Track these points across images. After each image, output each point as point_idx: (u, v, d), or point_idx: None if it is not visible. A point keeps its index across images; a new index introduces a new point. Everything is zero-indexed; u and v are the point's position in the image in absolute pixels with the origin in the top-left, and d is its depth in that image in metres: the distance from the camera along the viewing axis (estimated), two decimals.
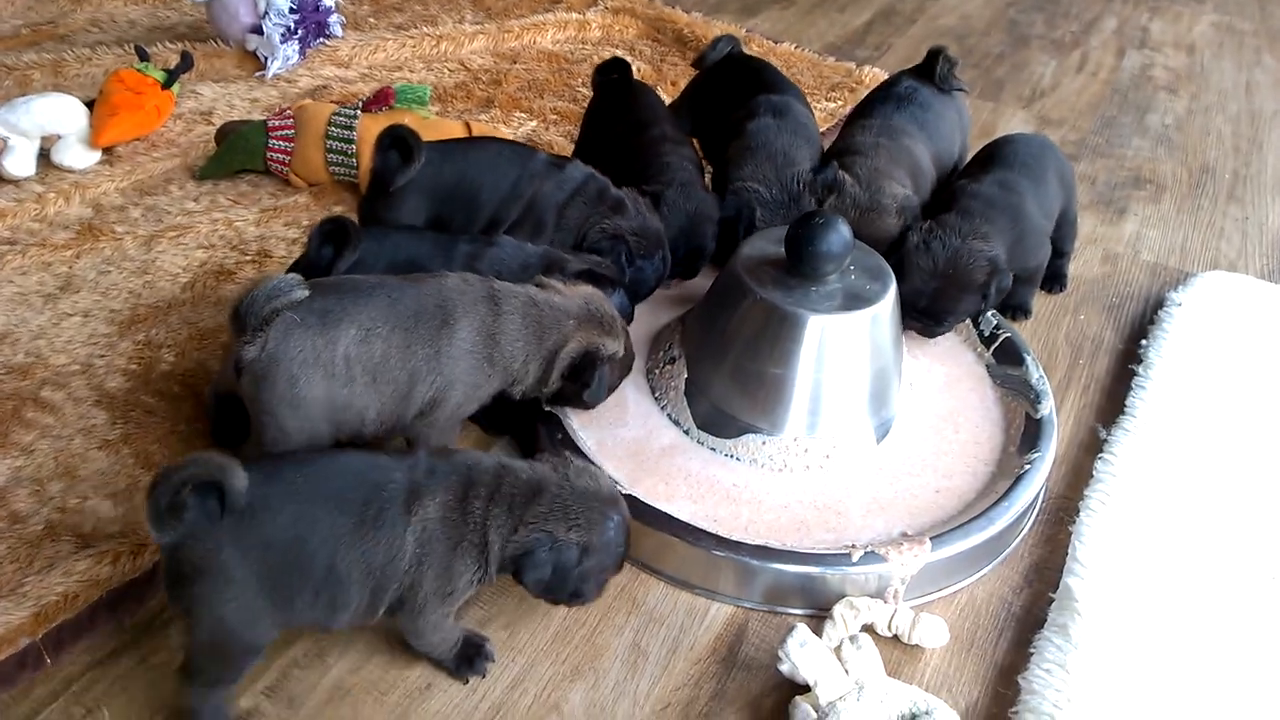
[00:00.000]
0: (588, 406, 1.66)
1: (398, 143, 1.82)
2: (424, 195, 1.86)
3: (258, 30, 2.87)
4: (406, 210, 1.86)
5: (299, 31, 2.87)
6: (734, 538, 1.53)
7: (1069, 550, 1.63)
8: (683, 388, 1.78)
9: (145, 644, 1.42)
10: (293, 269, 1.75)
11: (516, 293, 1.57)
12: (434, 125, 2.40)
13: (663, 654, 1.47)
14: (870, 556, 1.51)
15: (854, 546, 1.53)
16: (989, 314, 2.00)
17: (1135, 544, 1.64)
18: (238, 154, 2.39)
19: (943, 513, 1.65)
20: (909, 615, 1.49)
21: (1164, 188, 2.70)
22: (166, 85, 2.57)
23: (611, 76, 2.33)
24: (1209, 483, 1.78)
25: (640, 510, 1.53)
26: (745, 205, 2.02)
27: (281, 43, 2.83)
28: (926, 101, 2.17)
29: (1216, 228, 2.56)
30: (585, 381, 1.57)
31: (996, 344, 1.97)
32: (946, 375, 1.94)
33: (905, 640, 1.49)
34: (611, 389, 1.66)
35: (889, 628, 1.49)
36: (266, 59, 2.86)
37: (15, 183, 2.32)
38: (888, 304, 1.73)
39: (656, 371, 1.85)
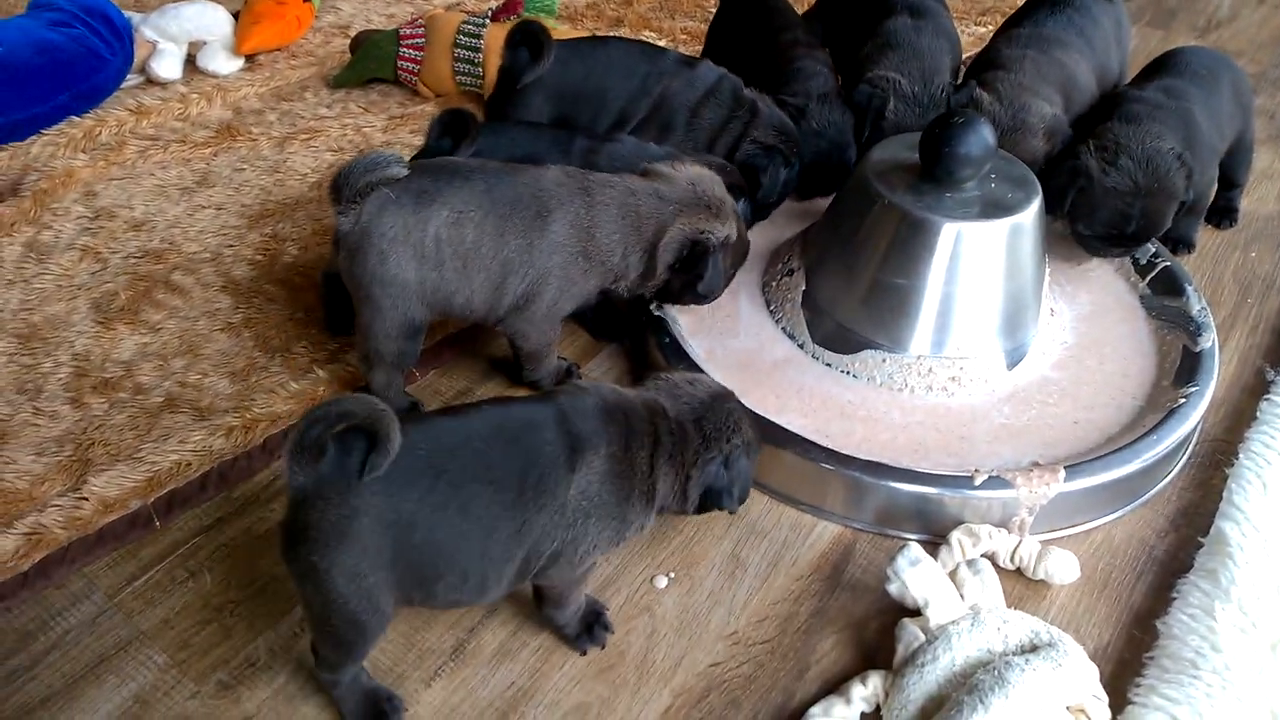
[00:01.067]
0: (704, 300, 1.56)
1: (528, 39, 1.78)
2: (551, 94, 1.82)
3: None
4: (533, 109, 1.82)
5: None
6: (846, 452, 1.44)
7: (1224, 495, 1.46)
8: (799, 300, 1.69)
9: (251, 514, 1.45)
10: (414, 160, 1.75)
11: (613, 182, 1.50)
12: (561, 36, 2.35)
13: (762, 567, 1.40)
14: (995, 481, 1.39)
15: (978, 470, 1.41)
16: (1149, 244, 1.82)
17: None
18: (370, 62, 2.42)
19: (1081, 444, 1.51)
20: (1035, 548, 1.37)
21: None
22: None
23: None
24: None
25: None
26: (878, 94, 1.89)
27: None
28: (1084, 6, 1.97)
29: None
30: (698, 272, 1.49)
31: (1154, 273, 1.79)
32: (1093, 304, 1.77)
33: (1029, 574, 1.37)
34: (728, 279, 1.57)
35: (1012, 559, 1.37)
36: None
37: (163, 84, 2.40)
38: (1030, 215, 1.58)
39: (773, 284, 1.76)
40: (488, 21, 2.33)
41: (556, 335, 1.58)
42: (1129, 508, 1.48)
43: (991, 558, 1.38)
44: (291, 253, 1.93)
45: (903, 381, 1.59)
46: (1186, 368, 1.60)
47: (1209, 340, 1.62)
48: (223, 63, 2.47)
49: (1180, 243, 1.95)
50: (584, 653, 1.29)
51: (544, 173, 1.49)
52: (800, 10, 2.39)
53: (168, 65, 2.42)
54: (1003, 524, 1.41)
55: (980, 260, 1.56)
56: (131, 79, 2.40)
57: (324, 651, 1.17)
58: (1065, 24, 1.95)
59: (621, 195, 1.49)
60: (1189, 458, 1.57)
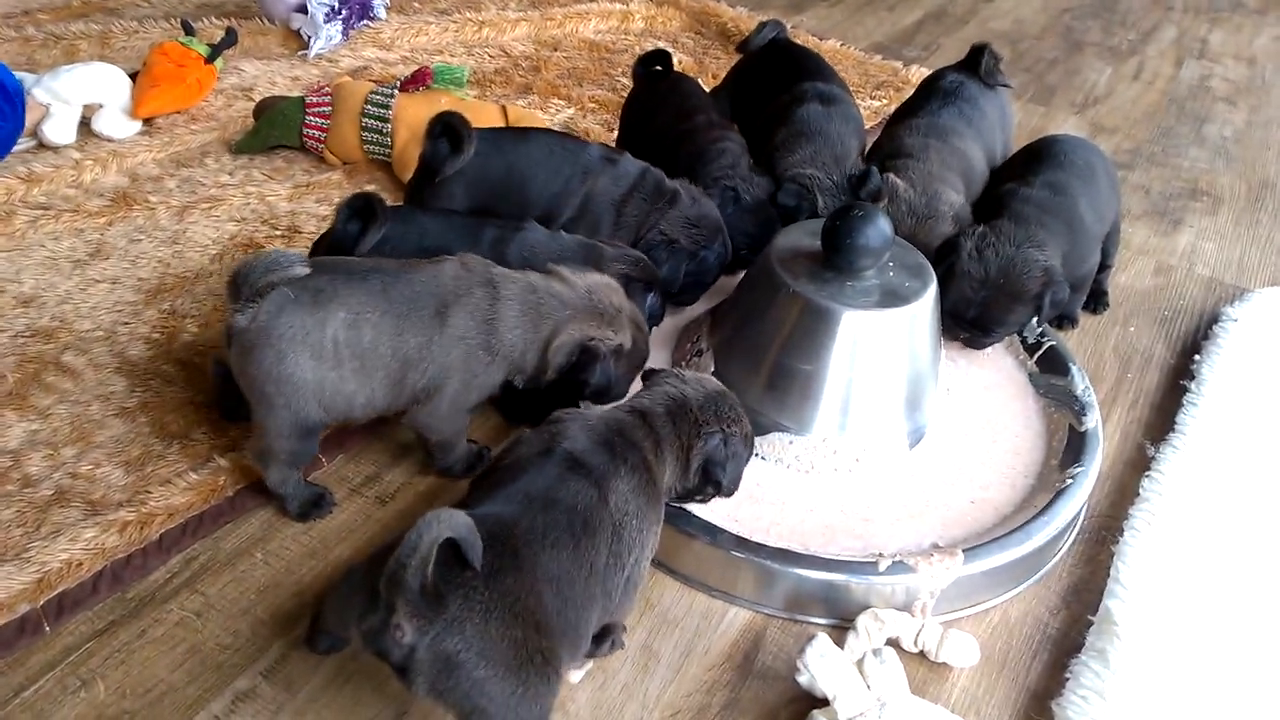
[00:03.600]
0: (601, 399, 1.57)
1: (448, 130, 1.79)
2: (471, 185, 1.82)
3: (302, 9, 2.87)
4: (453, 199, 1.82)
5: (343, 12, 2.86)
6: (755, 539, 1.47)
7: (1110, 571, 1.54)
8: None
9: (146, 616, 1.39)
10: (319, 243, 1.73)
11: (515, 278, 1.51)
12: (470, 108, 2.37)
13: (675, 657, 1.41)
14: (898, 566, 1.43)
15: (881, 555, 1.46)
16: (1032, 321, 1.91)
17: (1180, 568, 1.55)
18: (274, 129, 2.38)
19: (977, 524, 1.57)
20: (937, 631, 1.41)
21: (1221, 200, 2.59)
22: (209, 60, 2.56)
23: (653, 68, 2.29)
24: (1260, 507, 1.68)
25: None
26: (806, 192, 1.96)
27: (325, 22, 2.83)
28: (973, 97, 2.09)
29: (1276, 244, 2.44)
30: (585, 377, 1.51)
31: (1040, 352, 1.89)
32: (985, 381, 1.86)
33: (932, 657, 1.41)
34: (616, 385, 1.57)
35: (915, 643, 1.41)
36: (310, 38, 2.86)
37: (55, 149, 2.32)
38: (926, 304, 1.65)
39: (684, 364, 1.80)
40: (395, 91, 2.32)
41: (465, 425, 1.57)
42: (1024, 586, 1.54)
43: (896, 642, 1.42)
44: (191, 330, 1.87)
45: (809, 463, 1.63)
46: (1073, 447, 1.68)
47: (1093, 420, 1.72)
48: (119, 127, 2.40)
49: (1065, 319, 2.06)
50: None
51: (441, 268, 1.49)
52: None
53: (60, 129, 2.34)
54: (905, 607, 1.45)
55: (880, 347, 1.62)
56: (23, 143, 2.32)
57: None
58: (957, 115, 2.06)
59: (524, 291, 1.50)
60: (1078, 533, 1.65)
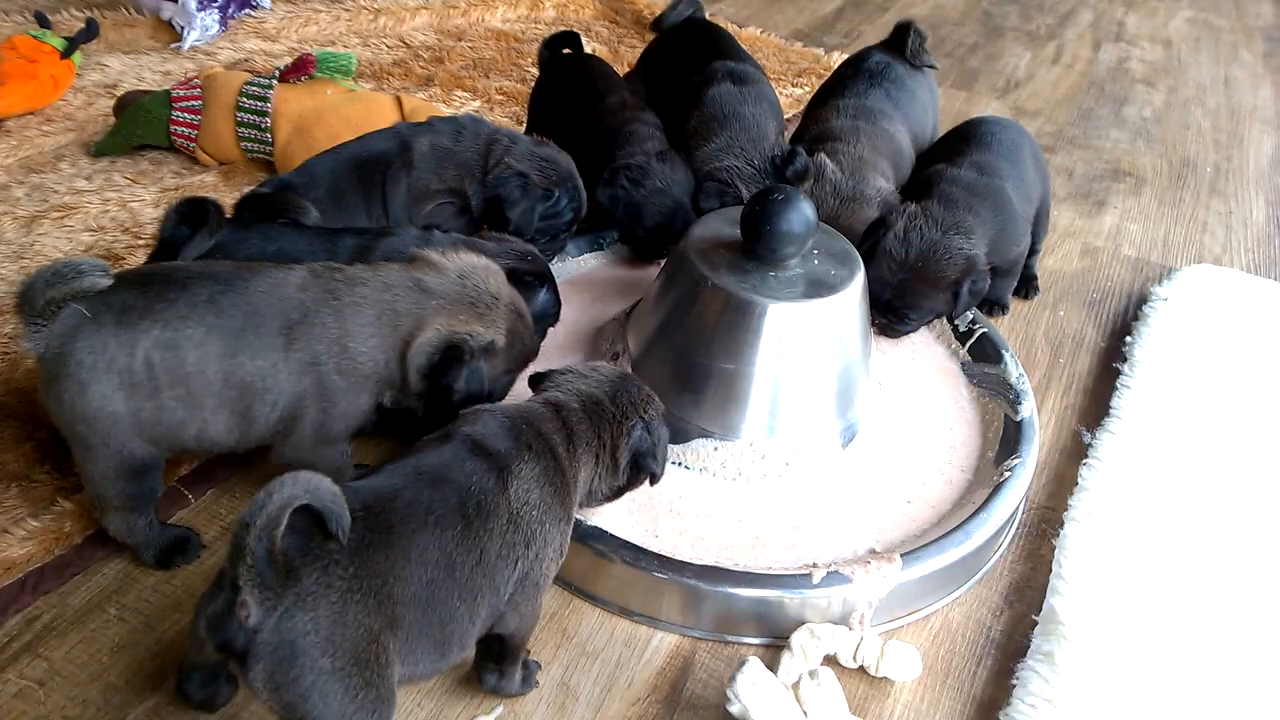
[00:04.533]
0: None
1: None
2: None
3: None
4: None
5: (218, 0, 2.65)
6: (678, 556, 1.33)
7: (1053, 567, 1.45)
8: None
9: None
10: (152, 255, 1.50)
11: (365, 279, 1.30)
12: (361, 99, 2.19)
13: (595, 693, 1.26)
14: (833, 577, 1.31)
15: (815, 566, 1.33)
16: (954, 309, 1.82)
17: (1124, 558, 1.47)
18: (138, 127, 2.16)
19: (915, 526, 1.46)
20: (877, 644, 1.30)
21: (1144, 180, 2.56)
22: (66, 54, 2.34)
23: (561, 50, 2.15)
24: (1200, 487, 1.62)
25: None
26: (727, 187, 1.85)
27: (199, 10, 2.61)
28: (899, 78, 2.00)
29: (1199, 221, 2.42)
30: (447, 382, 1.30)
31: (972, 340, 1.80)
32: (917, 373, 1.76)
33: (873, 672, 1.30)
34: (504, 387, 1.40)
35: (854, 658, 1.30)
36: (183, 29, 2.63)
37: None
38: (855, 293, 1.54)
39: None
40: (274, 81, 2.13)
41: (344, 457, 1.36)
42: (965, 588, 1.44)
43: (833, 659, 1.30)
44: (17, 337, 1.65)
45: (736, 470, 1.50)
46: (1010, 438, 1.59)
47: (1028, 409, 1.63)
48: None
49: (995, 305, 1.98)
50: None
51: (287, 275, 1.28)
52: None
53: None
54: (843, 620, 1.33)
55: (808, 341, 1.50)
56: None
57: None
58: (884, 97, 1.97)
59: (375, 293, 1.29)
60: (1017, 528, 1.55)
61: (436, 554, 1.04)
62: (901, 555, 1.35)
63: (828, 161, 1.81)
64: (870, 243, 1.72)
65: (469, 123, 1.76)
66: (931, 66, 2.09)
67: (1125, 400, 1.77)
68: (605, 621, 1.35)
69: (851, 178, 1.80)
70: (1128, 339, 1.93)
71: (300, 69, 2.17)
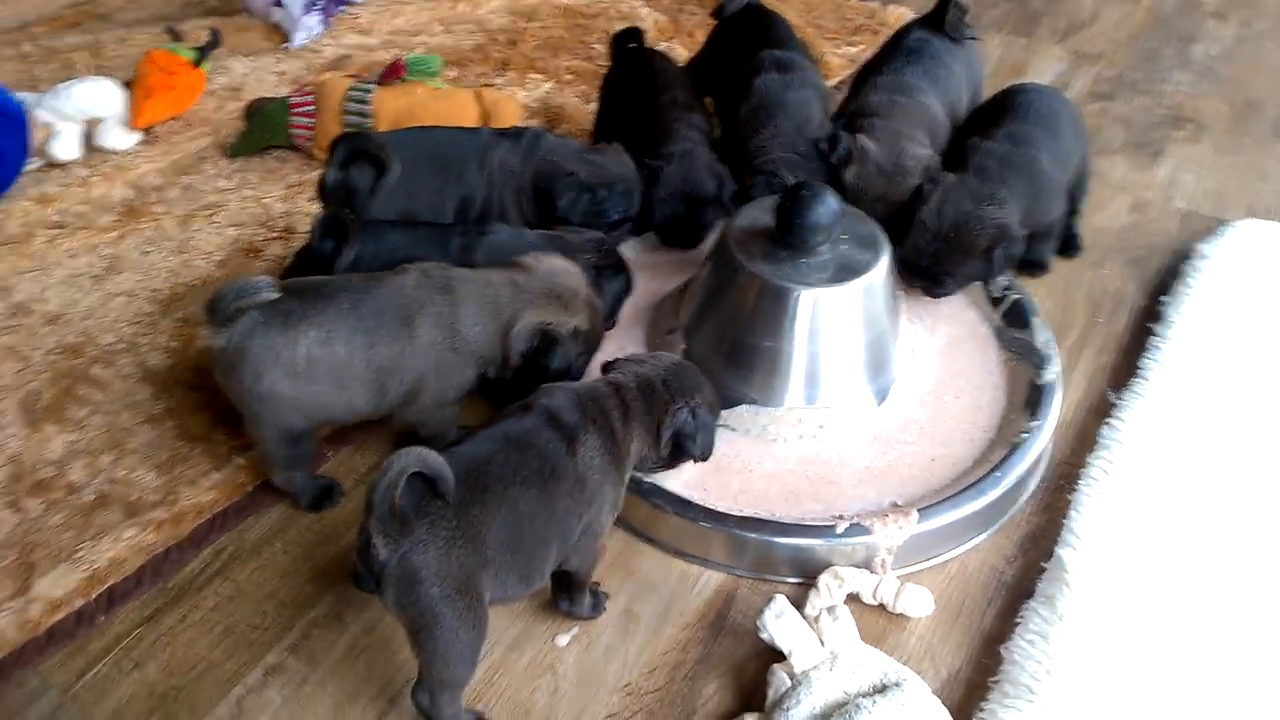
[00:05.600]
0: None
1: (364, 156, 1.86)
2: (390, 195, 1.88)
3: (280, 3, 2.93)
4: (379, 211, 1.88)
5: (319, 2, 2.92)
6: (720, 508, 1.58)
7: (1065, 520, 1.62)
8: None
9: (185, 604, 1.56)
10: (298, 259, 1.83)
11: (470, 278, 1.61)
12: (445, 95, 2.44)
13: (653, 620, 1.54)
14: (855, 529, 1.54)
15: (840, 518, 1.56)
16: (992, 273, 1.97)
17: (1135, 517, 1.62)
18: (263, 131, 2.48)
19: (936, 481, 1.66)
20: (894, 584, 1.52)
21: (1204, 126, 2.58)
22: (197, 64, 2.66)
23: (628, 45, 2.33)
24: (1220, 454, 1.72)
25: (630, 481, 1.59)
26: (774, 178, 1.98)
27: (303, 14, 2.89)
28: (937, 54, 2.11)
29: (1257, 168, 2.43)
30: (544, 361, 1.60)
31: (1005, 305, 1.95)
32: (949, 338, 1.93)
33: (891, 609, 1.52)
34: (581, 365, 1.67)
35: (874, 596, 1.53)
36: (290, 31, 2.92)
37: (63, 166, 2.44)
38: (880, 272, 1.72)
39: (657, 343, 1.89)
40: (374, 86, 2.40)
41: (453, 416, 1.69)
42: (982, 537, 1.64)
43: (857, 596, 1.54)
44: (204, 336, 2.00)
45: (775, 432, 1.73)
46: (1032, 401, 1.76)
47: (1052, 373, 1.78)
48: (120, 138, 2.51)
49: (1034, 265, 2.11)
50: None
51: (404, 279, 1.59)
52: (685, 50, 2.51)
53: (65, 146, 2.46)
54: (867, 564, 1.56)
55: (838, 320, 1.70)
56: (32, 163, 2.44)
57: (451, 674, 1.31)
58: (921, 73, 2.09)
59: (480, 289, 1.60)
60: (1040, 482, 1.73)
61: (521, 508, 1.31)
62: (918, 510, 1.56)
63: (869, 142, 1.96)
64: (909, 212, 1.88)
65: (530, 140, 1.96)
66: (972, 38, 2.18)
67: (1154, 362, 1.88)
68: (663, 561, 1.62)
69: (891, 153, 1.95)
70: (1163, 299, 2.03)
71: (393, 73, 2.44)
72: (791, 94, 2.06)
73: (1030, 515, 1.69)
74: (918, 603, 1.52)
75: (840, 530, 1.54)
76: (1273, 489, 1.68)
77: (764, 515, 1.59)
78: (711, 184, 2.03)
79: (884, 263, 1.73)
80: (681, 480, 1.64)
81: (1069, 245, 2.17)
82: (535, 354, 1.61)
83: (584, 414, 1.40)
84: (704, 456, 1.51)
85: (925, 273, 1.91)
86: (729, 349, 1.75)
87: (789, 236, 1.70)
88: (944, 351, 1.90)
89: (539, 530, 1.34)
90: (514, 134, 1.98)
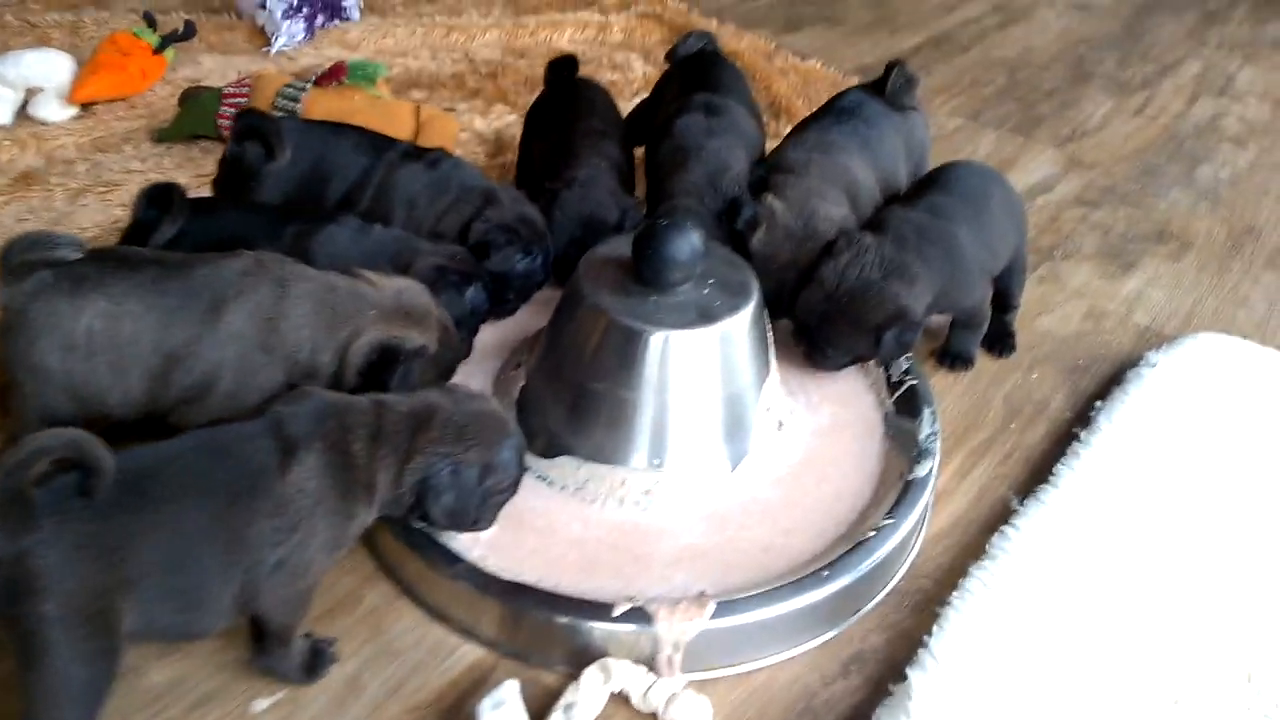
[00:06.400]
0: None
1: (256, 134, 1.74)
2: (281, 178, 1.77)
3: (265, 5, 2.90)
4: (264, 192, 1.77)
5: (304, 9, 2.88)
6: (488, 568, 1.35)
7: (926, 640, 1.35)
8: (516, 396, 1.62)
9: None
10: (126, 232, 1.68)
11: (312, 276, 1.44)
12: (382, 106, 2.34)
13: (381, 693, 1.29)
14: (635, 613, 1.29)
15: (623, 600, 1.32)
16: (903, 358, 1.74)
17: (1014, 644, 1.35)
18: (192, 119, 2.39)
19: (762, 574, 1.41)
20: (667, 690, 1.27)
21: (1190, 245, 2.32)
22: (158, 50, 2.60)
23: (563, 73, 2.22)
24: (1127, 580, 1.46)
25: (405, 529, 1.38)
26: None
27: (284, 19, 2.85)
28: (872, 118, 1.93)
29: (1240, 294, 2.16)
30: (384, 379, 1.41)
31: (900, 391, 1.71)
32: (833, 419, 1.69)
33: (662, 719, 1.27)
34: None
35: (644, 700, 1.27)
36: (272, 35, 2.88)
37: None
38: (743, 321, 1.51)
39: (503, 377, 1.70)
40: (309, 86, 2.31)
41: None
42: (800, 648, 1.38)
43: (627, 696, 1.28)
44: None
45: (594, 491, 1.50)
46: (899, 497, 1.51)
47: (926, 469, 1.54)
48: (53, 110, 2.45)
49: (957, 358, 1.87)
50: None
51: (232, 263, 1.43)
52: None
53: None
54: (652, 659, 1.31)
55: (689, 369, 1.48)
56: None
57: (50, 714, 1.07)
58: (850, 133, 1.91)
59: (320, 290, 1.43)
60: (889, 594, 1.47)
61: (191, 525, 1.11)
62: (719, 602, 1.31)
63: (777, 204, 1.76)
64: (813, 265, 1.69)
65: (445, 170, 1.79)
66: (912, 108, 2.00)
67: (1070, 469, 1.62)
68: (420, 625, 1.38)
69: (800, 215, 1.75)
70: (1098, 403, 1.77)
71: (334, 75, 2.35)
72: (714, 140, 1.89)
73: (868, 631, 1.42)
74: (693, 716, 1.25)
75: (616, 612, 1.29)
76: (1180, 623, 1.42)
77: (540, 584, 1.35)
78: (614, 212, 1.86)
79: (748, 311, 1.52)
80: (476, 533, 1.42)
81: (1002, 343, 1.93)
82: (373, 372, 1.42)
83: (316, 426, 1.21)
84: (449, 523, 1.30)
85: (811, 336, 1.69)
86: (568, 392, 1.54)
87: (644, 271, 1.50)
88: (822, 432, 1.66)
89: (210, 555, 1.12)
90: (428, 159, 1.81)
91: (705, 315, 1.50)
